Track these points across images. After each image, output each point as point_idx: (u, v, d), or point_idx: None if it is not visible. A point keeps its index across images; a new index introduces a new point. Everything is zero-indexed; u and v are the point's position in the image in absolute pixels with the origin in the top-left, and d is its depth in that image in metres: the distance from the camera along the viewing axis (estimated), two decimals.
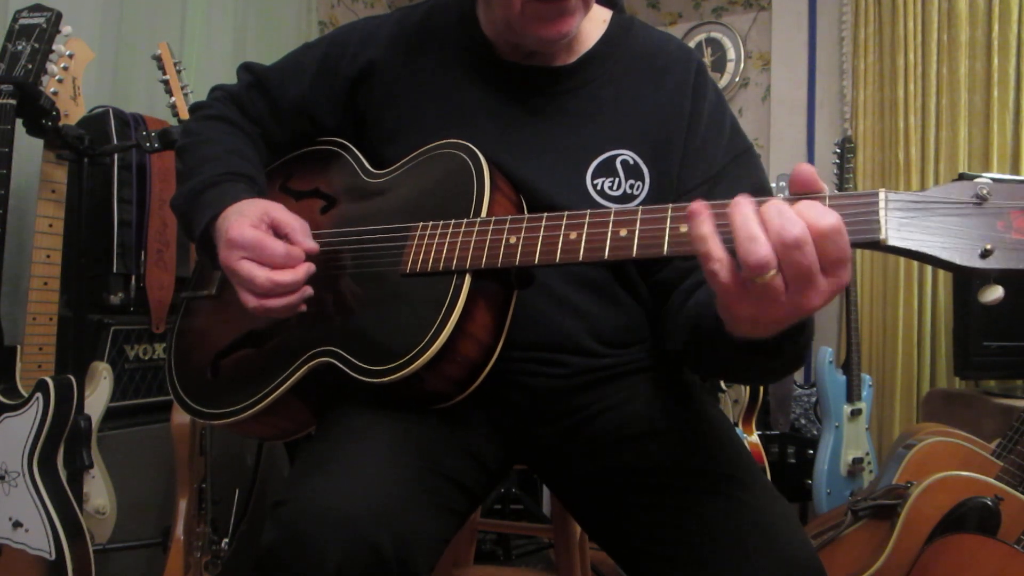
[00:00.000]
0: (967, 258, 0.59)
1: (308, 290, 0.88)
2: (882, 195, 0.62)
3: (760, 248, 0.57)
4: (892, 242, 0.60)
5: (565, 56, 0.99)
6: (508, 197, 0.90)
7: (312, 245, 0.90)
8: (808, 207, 0.58)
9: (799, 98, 2.95)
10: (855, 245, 0.62)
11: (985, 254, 0.58)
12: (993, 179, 0.61)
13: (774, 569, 0.76)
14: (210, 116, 1.09)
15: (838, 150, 2.43)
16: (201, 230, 0.94)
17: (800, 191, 0.63)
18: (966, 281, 1.97)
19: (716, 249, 0.60)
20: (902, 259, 2.53)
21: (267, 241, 0.86)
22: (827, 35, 2.91)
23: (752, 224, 0.58)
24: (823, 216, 0.57)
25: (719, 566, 0.78)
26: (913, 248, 0.60)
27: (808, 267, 0.57)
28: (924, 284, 2.57)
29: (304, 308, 0.89)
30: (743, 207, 0.59)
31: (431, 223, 0.86)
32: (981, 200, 0.59)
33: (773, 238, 0.57)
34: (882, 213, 0.61)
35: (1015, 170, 2.46)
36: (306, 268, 0.87)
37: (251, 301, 0.86)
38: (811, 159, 2.91)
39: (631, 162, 0.95)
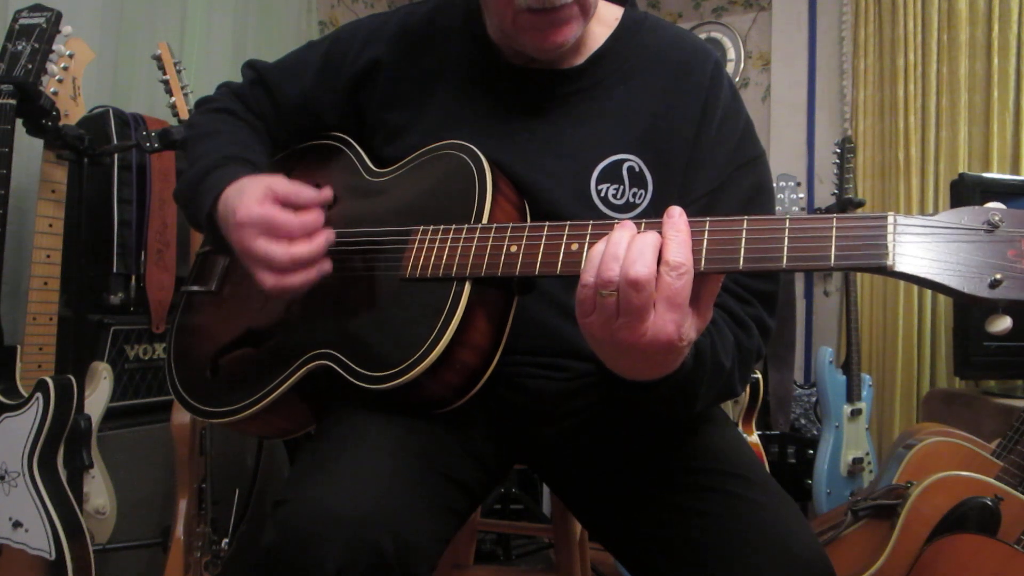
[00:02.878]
0: (976, 287, 0.57)
1: (327, 264, 0.86)
2: (891, 219, 0.60)
3: (606, 269, 0.64)
4: (899, 268, 0.59)
5: (572, 58, 0.97)
6: (510, 200, 0.89)
7: (326, 193, 0.87)
8: (675, 251, 0.63)
9: (799, 98, 2.95)
10: (861, 270, 0.61)
11: (995, 284, 0.57)
12: (1004, 198, 0.60)
13: (780, 566, 0.75)
14: (214, 109, 1.09)
15: (838, 150, 2.43)
16: (205, 214, 0.92)
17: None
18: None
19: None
20: None
21: (278, 215, 0.83)
22: (827, 35, 2.91)
23: (615, 248, 0.65)
24: (669, 253, 0.63)
25: (724, 563, 0.77)
26: (921, 275, 0.59)
27: (636, 306, 0.63)
28: None
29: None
30: (621, 232, 0.66)
31: (431, 227, 0.85)
32: (992, 227, 0.58)
33: (622, 268, 0.64)
34: (890, 238, 0.60)
35: (1015, 170, 2.46)
36: (325, 236, 0.85)
37: (269, 280, 0.83)
38: (811, 159, 2.91)
39: (636, 169, 0.93)
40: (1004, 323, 0.58)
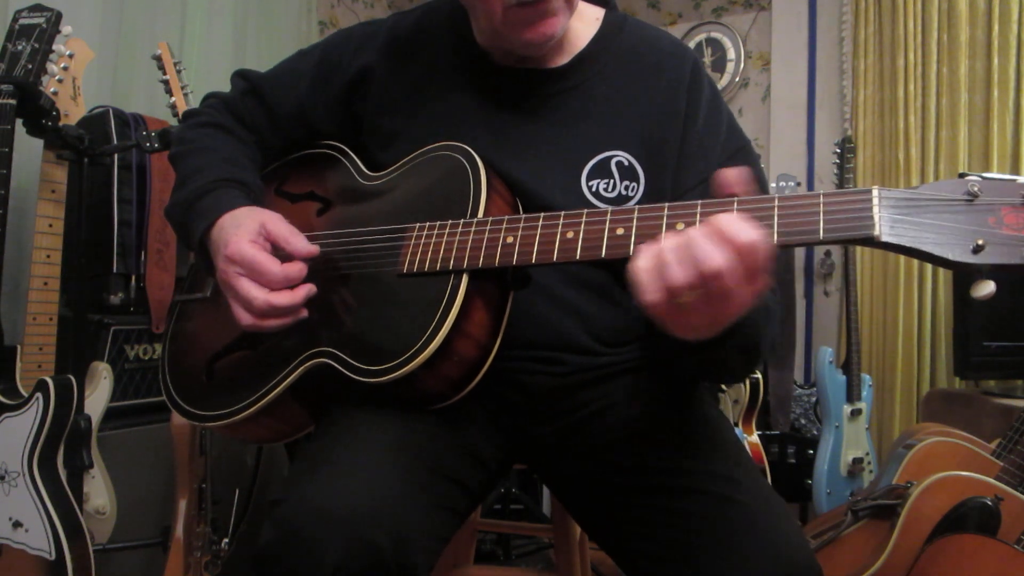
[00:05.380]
0: (960, 253, 0.60)
1: (304, 312, 0.88)
2: (875, 192, 0.63)
3: (676, 275, 0.62)
4: (885, 238, 0.62)
5: (558, 57, 0.99)
6: (504, 198, 0.90)
7: (312, 248, 0.90)
8: (728, 224, 0.61)
9: (799, 98, 2.95)
10: (849, 241, 0.63)
11: (977, 249, 0.59)
12: (983, 176, 0.63)
13: (771, 570, 0.76)
14: (203, 123, 1.09)
15: (838, 150, 2.43)
16: (198, 239, 0.94)
17: (721, 194, 0.68)
18: (967, 280, 1.98)
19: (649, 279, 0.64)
20: (902, 258, 2.54)
21: (265, 262, 0.86)
22: (827, 35, 2.91)
23: (670, 254, 0.63)
24: (740, 233, 0.60)
25: (716, 566, 0.78)
26: (906, 244, 0.61)
27: (726, 290, 0.61)
28: (924, 284, 2.57)
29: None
30: (669, 239, 0.64)
31: (428, 223, 0.86)
32: (972, 197, 0.61)
33: (695, 268, 0.61)
34: (876, 210, 0.62)
35: (1015, 170, 2.46)
36: (305, 290, 0.87)
37: (245, 319, 0.87)
38: (811, 159, 2.91)
39: (626, 163, 0.94)
40: (988, 287, 0.60)
